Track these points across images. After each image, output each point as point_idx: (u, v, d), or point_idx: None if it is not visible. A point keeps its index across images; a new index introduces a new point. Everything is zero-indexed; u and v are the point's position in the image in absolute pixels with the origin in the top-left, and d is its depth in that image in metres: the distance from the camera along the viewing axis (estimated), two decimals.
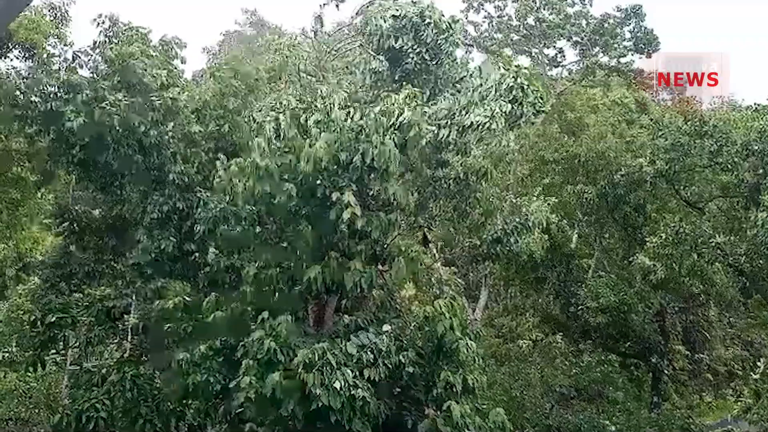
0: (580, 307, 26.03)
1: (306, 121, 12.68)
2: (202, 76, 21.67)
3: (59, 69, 16.86)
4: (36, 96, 14.60)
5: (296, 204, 12.51)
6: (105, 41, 16.33)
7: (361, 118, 12.57)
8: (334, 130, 12.42)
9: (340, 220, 12.10)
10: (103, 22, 16.71)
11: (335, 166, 12.40)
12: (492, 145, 14.23)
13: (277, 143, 12.64)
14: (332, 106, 12.78)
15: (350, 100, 13.29)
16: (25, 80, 15.72)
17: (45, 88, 14.63)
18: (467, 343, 12.64)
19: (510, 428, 12.98)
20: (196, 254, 15.56)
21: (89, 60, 16.18)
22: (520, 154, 26.94)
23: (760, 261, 23.10)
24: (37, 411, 22.08)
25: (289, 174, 12.37)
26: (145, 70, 15.32)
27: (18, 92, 15.14)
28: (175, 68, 17.19)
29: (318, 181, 12.41)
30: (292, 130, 12.56)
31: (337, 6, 16.39)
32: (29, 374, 19.80)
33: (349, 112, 12.64)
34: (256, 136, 12.85)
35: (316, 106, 12.90)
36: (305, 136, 12.48)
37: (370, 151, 12.19)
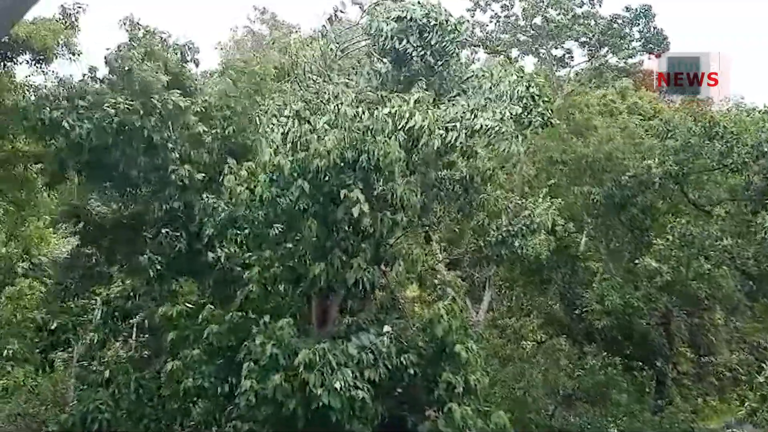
0: (584, 310, 25.93)
1: (315, 122, 12.76)
2: (211, 75, 21.75)
3: (71, 76, 17.12)
4: (44, 106, 14.81)
5: (305, 202, 12.58)
6: (124, 45, 16.54)
7: (369, 118, 12.62)
8: (342, 128, 12.47)
9: (345, 217, 12.12)
10: (125, 24, 17.01)
11: (342, 164, 12.46)
12: (500, 149, 14.22)
13: (288, 143, 12.72)
14: (341, 105, 12.82)
15: (357, 100, 13.27)
16: (35, 91, 15.93)
17: (52, 98, 14.82)
18: (468, 345, 12.66)
19: (511, 430, 12.99)
20: (205, 254, 15.67)
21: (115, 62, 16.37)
22: (526, 156, 26.86)
23: None
24: (44, 408, 22.23)
25: (301, 170, 12.44)
26: (146, 71, 15.43)
27: (27, 103, 15.33)
28: (189, 71, 17.38)
29: (327, 178, 12.48)
30: (303, 128, 12.63)
31: (360, 6, 16.34)
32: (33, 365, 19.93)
33: (357, 112, 12.68)
34: (266, 137, 12.94)
35: (325, 107, 12.94)
36: (316, 134, 12.56)
37: (375, 151, 12.24)
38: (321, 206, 12.81)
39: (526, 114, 13.43)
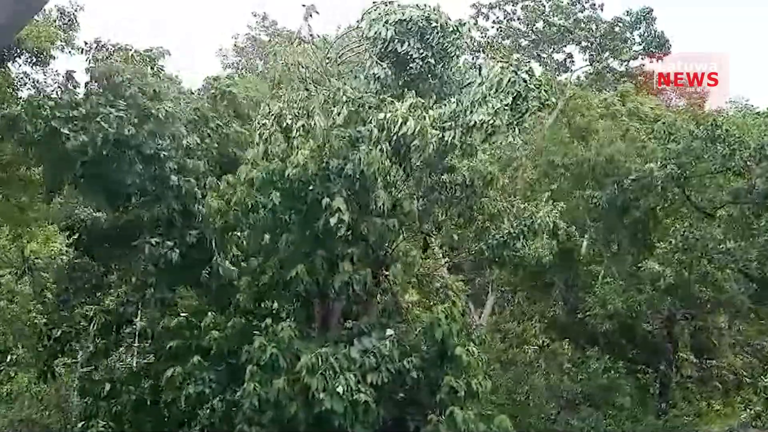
0: (587, 313, 25.89)
1: (290, 127, 12.80)
2: (213, 80, 21.66)
3: (60, 86, 17.14)
4: (35, 119, 14.80)
5: (283, 210, 12.61)
6: (95, 66, 16.51)
7: (351, 126, 12.64)
8: (318, 138, 12.49)
9: (331, 225, 12.15)
10: (90, 49, 16.99)
11: (326, 173, 12.47)
12: (498, 144, 14.17)
13: (266, 154, 12.78)
14: (312, 111, 12.83)
15: (354, 104, 13.26)
16: (24, 103, 15.92)
17: (42, 111, 14.83)
18: (468, 349, 12.66)
19: None
20: (203, 262, 15.68)
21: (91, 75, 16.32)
22: (528, 159, 26.91)
23: None
24: (47, 413, 22.24)
25: (277, 180, 12.47)
26: (132, 82, 15.42)
27: (18, 116, 15.31)
28: (164, 79, 17.36)
29: (310, 187, 12.48)
30: (279, 137, 12.68)
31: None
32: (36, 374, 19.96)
33: (333, 118, 12.66)
34: (249, 148, 13.05)
35: (299, 113, 12.96)
36: (291, 143, 12.61)
37: (359, 160, 12.27)
38: (301, 214, 12.84)
39: (521, 101, 13.30)
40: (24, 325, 20.98)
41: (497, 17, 31.34)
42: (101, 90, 15.66)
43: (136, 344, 17.04)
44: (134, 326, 16.55)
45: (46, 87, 17.58)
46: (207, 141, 16.43)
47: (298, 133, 12.62)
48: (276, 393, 11.82)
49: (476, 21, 30.98)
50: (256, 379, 11.99)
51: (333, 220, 12.07)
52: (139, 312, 16.29)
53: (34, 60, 18.23)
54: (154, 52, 17.14)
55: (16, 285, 22.62)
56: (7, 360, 20.60)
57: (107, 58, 16.60)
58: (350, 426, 11.88)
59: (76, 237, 17.39)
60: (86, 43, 17.11)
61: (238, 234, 13.98)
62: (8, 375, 22.51)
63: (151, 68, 16.81)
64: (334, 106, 12.99)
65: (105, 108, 14.94)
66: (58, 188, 17.73)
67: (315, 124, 12.57)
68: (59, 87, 16.94)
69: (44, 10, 18.72)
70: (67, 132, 14.62)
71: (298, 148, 12.35)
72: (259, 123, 13.29)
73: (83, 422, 14.72)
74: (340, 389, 11.62)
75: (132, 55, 16.72)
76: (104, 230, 17.23)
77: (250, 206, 12.73)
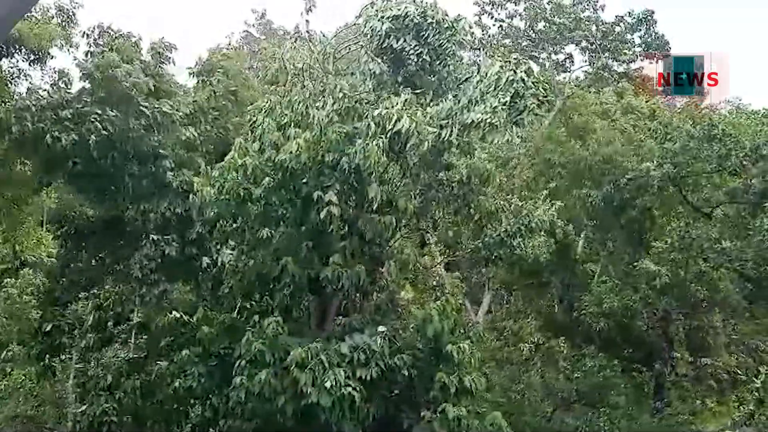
0: (583, 312, 25.91)
1: (283, 119, 12.82)
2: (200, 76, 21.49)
3: (56, 81, 17.00)
4: (26, 119, 14.69)
5: (277, 202, 12.61)
6: (95, 52, 16.34)
7: (348, 121, 12.64)
8: (314, 130, 12.47)
9: (322, 218, 12.16)
10: (92, 33, 16.84)
11: (320, 166, 12.46)
12: (496, 142, 14.16)
13: (260, 142, 12.78)
14: (310, 106, 12.82)
15: (351, 101, 13.25)
16: (16, 102, 15.79)
17: (32, 109, 14.71)
18: (461, 346, 12.65)
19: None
20: (199, 257, 15.68)
21: (83, 72, 16.12)
22: (525, 158, 26.93)
23: (767, 267, 23.01)
24: (42, 409, 22.24)
25: (269, 168, 12.45)
26: (129, 76, 15.23)
27: (6, 115, 15.17)
28: (166, 73, 17.23)
29: (303, 180, 12.46)
30: (273, 126, 12.69)
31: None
32: (34, 372, 19.95)
33: (331, 116, 12.64)
34: (243, 139, 13.05)
35: (294, 108, 12.96)
36: (285, 134, 12.61)
37: (356, 155, 12.25)
38: (296, 207, 12.84)
39: (519, 99, 13.26)
40: (19, 320, 20.94)
41: (499, 15, 31.23)
42: (95, 87, 15.55)
43: (132, 340, 17.05)
44: (129, 322, 16.57)
45: (42, 84, 17.42)
46: (206, 134, 16.39)
47: (291, 123, 12.61)
48: (261, 386, 11.86)
49: (479, 18, 30.90)
50: (244, 373, 12.09)
51: (323, 213, 12.06)
52: (135, 308, 16.31)
53: (32, 57, 18.09)
54: (159, 44, 17.04)
55: (16, 281, 22.53)
56: (2, 356, 20.51)
57: (108, 44, 16.45)
58: (337, 421, 11.90)
59: (64, 230, 17.36)
60: (89, 27, 16.91)
61: (234, 225, 13.92)
62: (3, 371, 22.47)
63: (159, 61, 16.71)
64: (330, 104, 12.96)
65: (98, 106, 14.86)
66: (47, 185, 17.67)
67: (312, 116, 12.57)
68: (51, 85, 16.76)
69: (42, 6, 18.67)
70: (57, 133, 14.53)
71: (293, 137, 12.33)
72: (252, 115, 13.30)
73: (85, 405, 14.85)
74: (328, 384, 11.64)
75: (133, 45, 16.63)
76: (98, 225, 17.21)
77: (242, 196, 12.71)
